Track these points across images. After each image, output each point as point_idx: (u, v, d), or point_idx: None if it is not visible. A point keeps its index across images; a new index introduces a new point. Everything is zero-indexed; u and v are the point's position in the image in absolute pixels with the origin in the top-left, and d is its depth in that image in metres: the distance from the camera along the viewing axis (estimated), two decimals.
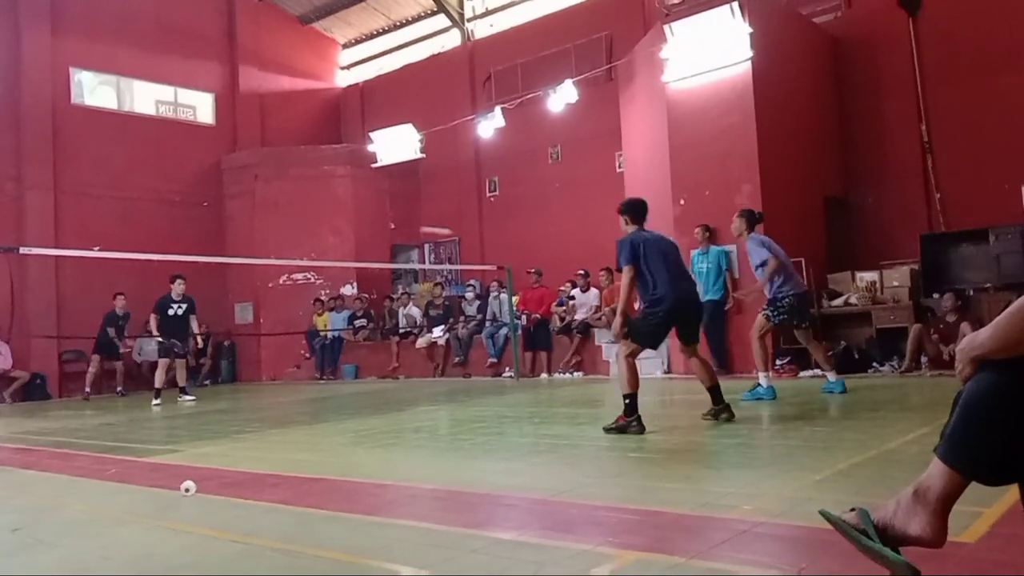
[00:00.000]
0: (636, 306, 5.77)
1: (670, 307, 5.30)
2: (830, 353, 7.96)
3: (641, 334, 5.38)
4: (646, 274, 5.33)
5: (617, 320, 5.36)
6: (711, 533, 2.69)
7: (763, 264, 6.81)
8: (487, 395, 9.18)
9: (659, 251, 5.39)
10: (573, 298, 11.82)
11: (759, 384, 6.73)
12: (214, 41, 16.67)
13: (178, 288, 10.63)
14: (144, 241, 13.40)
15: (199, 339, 11.81)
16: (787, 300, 6.76)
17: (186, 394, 10.67)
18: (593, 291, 11.75)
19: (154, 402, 10.18)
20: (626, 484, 3.73)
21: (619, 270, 5.49)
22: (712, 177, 9.70)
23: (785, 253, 6.95)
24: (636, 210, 5.65)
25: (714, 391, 5.46)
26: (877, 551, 1.83)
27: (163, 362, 10.63)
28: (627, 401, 5.17)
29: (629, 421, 5.12)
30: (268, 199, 15.35)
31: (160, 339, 10.59)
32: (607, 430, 5.17)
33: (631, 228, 5.58)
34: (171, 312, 10.57)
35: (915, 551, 1.83)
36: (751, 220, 6.97)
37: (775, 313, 6.80)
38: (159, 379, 10.51)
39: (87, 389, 12.75)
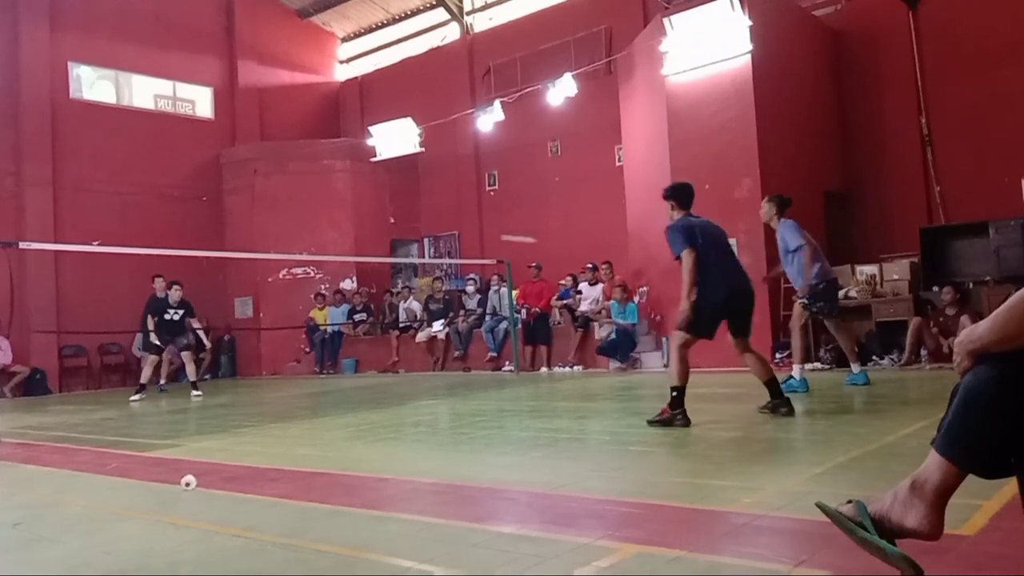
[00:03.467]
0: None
1: (725, 297, 5.19)
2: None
3: (695, 324, 5.17)
4: (702, 261, 5.15)
5: (684, 306, 5.11)
6: (711, 526, 2.70)
7: (797, 249, 6.68)
8: (487, 389, 9.19)
9: (712, 238, 5.26)
10: (581, 292, 11.80)
11: (791, 376, 6.68)
12: (213, 35, 16.64)
13: (175, 295, 10.75)
14: (143, 236, 13.40)
15: (200, 334, 11.79)
16: (820, 287, 6.75)
17: (195, 389, 10.64)
18: (600, 285, 11.68)
19: (132, 397, 10.26)
20: (626, 478, 3.73)
21: (677, 259, 5.21)
22: (712, 171, 9.68)
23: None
24: (683, 195, 5.44)
25: (771, 384, 5.30)
26: (874, 543, 1.84)
27: (152, 359, 10.75)
28: (674, 394, 5.05)
29: (674, 414, 5.02)
30: (267, 193, 15.35)
31: (156, 342, 10.70)
32: (651, 423, 5.08)
33: (678, 214, 5.38)
34: (167, 316, 10.69)
35: (914, 544, 1.84)
36: (781, 205, 6.88)
37: (812, 301, 6.76)
38: (145, 375, 10.61)
39: (162, 381, 12.29)
